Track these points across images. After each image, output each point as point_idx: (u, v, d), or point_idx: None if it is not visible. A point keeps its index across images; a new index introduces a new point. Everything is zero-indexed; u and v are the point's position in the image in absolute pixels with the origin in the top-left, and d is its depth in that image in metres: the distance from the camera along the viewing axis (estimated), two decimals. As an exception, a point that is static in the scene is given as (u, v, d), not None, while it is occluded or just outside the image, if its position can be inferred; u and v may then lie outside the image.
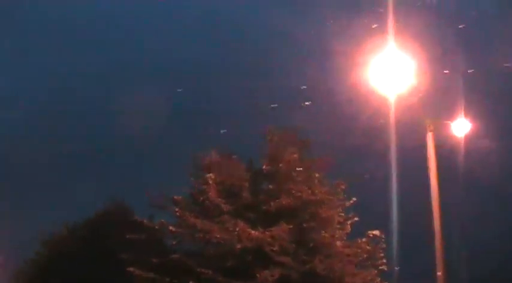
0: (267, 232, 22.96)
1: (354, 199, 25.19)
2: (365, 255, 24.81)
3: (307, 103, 27.61)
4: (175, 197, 24.80)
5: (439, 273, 17.99)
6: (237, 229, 22.97)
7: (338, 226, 24.69)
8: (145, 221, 25.07)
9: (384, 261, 25.13)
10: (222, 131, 29.39)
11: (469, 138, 20.91)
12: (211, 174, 24.33)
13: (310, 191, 24.15)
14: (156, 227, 24.84)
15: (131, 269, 23.49)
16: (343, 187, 25.25)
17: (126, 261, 23.72)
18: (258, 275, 22.42)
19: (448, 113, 20.71)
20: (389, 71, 18.48)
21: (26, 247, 33.39)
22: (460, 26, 28.63)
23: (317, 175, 24.95)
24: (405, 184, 22.95)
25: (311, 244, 23.95)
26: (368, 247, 24.71)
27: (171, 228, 24.27)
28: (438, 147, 19.71)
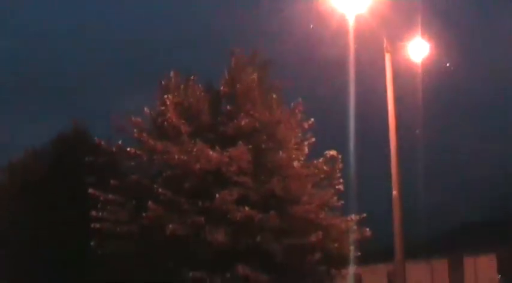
0: (225, 153, 23.05)
1: (312, 120, 25.35)
2: (322, 175, 25.15)
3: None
4: (133, 119, 24.69)
5: (394, 192, 18.20)
6: (196, 150, 23.03)
7: (295, 147, 24.85)
8: (102, 143, 25.02)
9: (341, 180, 25.54)
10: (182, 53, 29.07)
11: (427, 59, 20.95)
12: (169, 96, 24.22)
13: (268, 112, 24.22)
14: (114, 149, 24.82)
15: (91, 191, 23.61)
16: (301, 108, 25.37)
17: (87, 183, 23.82)
18: (216, 195, 22.59)
19: (407, 34, 20.66)
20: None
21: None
22: None
23: (275, 96, 24.97)
24: (363, 105, 23.09)
25: (269, 165, 24.14)
26: (325, 168, 25.03)
27: (129, 149, 24.28)
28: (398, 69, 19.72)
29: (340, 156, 25.24)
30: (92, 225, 23.33)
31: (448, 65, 23.77)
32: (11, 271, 29.05)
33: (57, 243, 26.97)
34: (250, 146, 23.41)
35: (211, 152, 23.05)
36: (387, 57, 19.61)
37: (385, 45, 19.71)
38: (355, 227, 25.25)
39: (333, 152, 25.09)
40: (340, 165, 25.41)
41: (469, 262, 47.08)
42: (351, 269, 26.64)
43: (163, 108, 24.39)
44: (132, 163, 24.98)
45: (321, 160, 25.12)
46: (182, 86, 24.81)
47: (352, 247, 25.23)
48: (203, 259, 22.91)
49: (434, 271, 48.38)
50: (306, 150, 25.29)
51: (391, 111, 18.57)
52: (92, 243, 23.53)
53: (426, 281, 45.33)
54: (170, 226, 22.05)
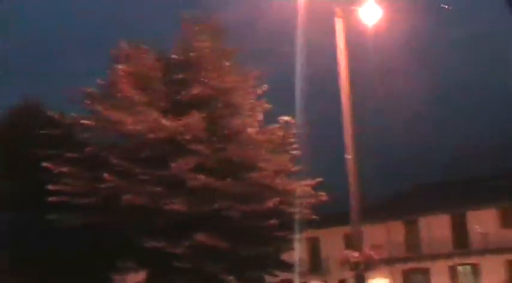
0: (180, 122, 23.01)
1: (266, 86, 25.41)
2: (277, 141, 25.30)
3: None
4: (86, 89, 24.42)
5: (348, 156, 18.31)
6: (150, 120, 22.94)
7: (250, 113, 24.95)
8: (56, 116, 24.73)
9: (296, 145, 25.74)
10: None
11: (379, 24, 20.97)
12: (122, 66, 23.99)
13: (221, 79, 24.19)
14: (67, 121, 24.57)
15: (46, 164, 23.33)
16: (254, 75, 25.40)
17: (42, 157, 23.52)
18: (173, 164, 22.58)
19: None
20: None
21: None
22: None
23: (228, 63, 24.94)
24: (315, 70, 23.17)
25: (224, 132, 24.22)
26: (280, 134, 25.18)
27: (82, 121, 24.05)
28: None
29: (294, 122, 25.40)
30: (49, 199, 23.10)
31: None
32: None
33: (14, 216, 26.60)
34: (205, 114, 23.40)
35: (165, 121, 22.98)
36: (339, 22, 19.61)
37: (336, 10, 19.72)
38: (311, 192, 25.53)
39: (287, 118, 25.22)
40: (295, 131, 25.61)
41: (423, 222, 48.08)
42: (308, 233, 27.01)
43: (115, 78, 24.16)
44: (87, 135, 24.76)
45: (276, 126, 25.26)
46: (134, 55, 24.58)
47: (308, 212, 25.51)
48: (162, 228, 22.96)
49: (390, 232, 49.29)
50: (261, 116, 25.40)
51: (344, 76, 18.59)
52: (49, 216, 23.31)
53: (383, 242, 46.12)
54: (127, 196, 22.00)
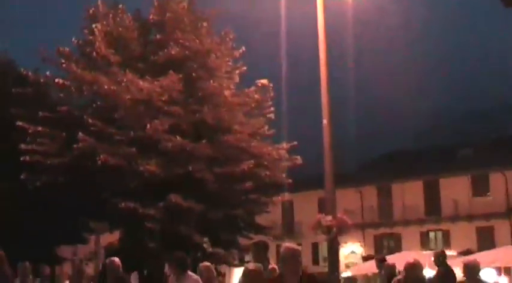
0: (156, 83, 22.84)
1: (243, 48, 25.28)
2: (253, 104, 25.26)
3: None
4: (61, 49, 24.10)
5: (324, 121, 18.33)
6: (126, 80, 22.73)
7: (226, 75, 24.82)
8: (30, 74, 24.43)
9: (272, 109, 25.72)
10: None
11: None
12: (97, 25, 23.69)
13: (198, 41, 23.99)
14: (42, 80, 24.30)
15: (19, 123, 23.09)
16: (231, 37, 25.24)
17: (15, 116, 23.25)
18: (148, 125, 22.47)
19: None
20: None
21: None
22: None
23: (205, 25, 24.73)
24: (295, 34, 23.08)
25: (200, 94, 24.09)
26: (256, 96, 25.12)
27: (57, 80, 23.78)
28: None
29: (271, 85, 25.35)
30: (22, 158, 22.92)
31: None
32: None
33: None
34: (181, 75, 23.22)
35: (141, 82, 22.80)
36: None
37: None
38: (286, 155, 25.61)
39: (264, 81, 25.15)
40: (272, 94, 25.57)
41: (396, 188, 48.57)
42: (282, 196, 27.12)
43: (91, 37, 23.88)
44: (61, 94, 24.52)
45: (252, 89, 25.19)
46: (111, 15, 24.28)
47: (283, 175, 25.61)
48: (135, 189, 22.93)
49: (363, 198, 49.76)
50: (237, 78, 25.30)
51: (322, 44, 18.53)
52: (22, 176, 23.14)
53: (356, 207, 46.56)
54: (101, 156, 21.89)
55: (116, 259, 11.61)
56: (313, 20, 18.16)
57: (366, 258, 44.20)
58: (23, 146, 22.95)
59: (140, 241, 23.16)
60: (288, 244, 7.20)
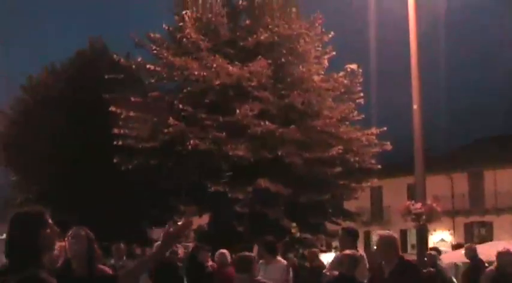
0: (245, 68, 22.96)
1: (332, 33, 25.07)
2: (342, 89, 25.06)
3: None
4: (151, 34, 24.54)
5: (415, 107, 18.04)
6: (216, 65, 22.94)
7: (315, 60, 24.68)
8: (122, 60, 24.99)
9: (361, 94, 25.45)
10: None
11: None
12: (187, 11, 23.97)
13: (287, 26, 23.93)
14: (133, 66, 24.81)
15: (112, 108, 23.66)
16: (321, 21, 25.06)
17: (108, 101, 23.84)
18: (237, 110, 22.64)
19: None
20: None
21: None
22: None
23: (294, 9, 24.63)
24: (384, 20, 22.70)
25: (289, 79, 24.07)
26: (345, 81, 24.90)
27: (148, 66, 24.24)
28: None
29: (360, 70, 25.09)
30: (115, 142, 23.54)
31: None
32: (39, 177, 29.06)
33: (80, 158, 27.12)
34: (270, 60, 23.26)
35: (231, 67, 22.96)
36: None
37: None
38: (375, 140, 25.33)
39: (353, 66, 24.90)
40: (361, 79, 25.30)
41: (488, 174, 47.27)
42: (371, 182, 26.82)
43: (181, 23, 24.20)
44: (153, 79, 25.01)
45: (341, 74, 24.98)
46: (200, 1, 24.51)
47: (372, 161, 25.37)
48: (224, 173, 23.19)
49: (454, 184, 48.69)
50: (326, 63, 25.14)
51: (412, 29, 18.21)
52: (115, 159, 23.77)
53: (446, 193, 45.63)
54: (191, 141, 22.22)
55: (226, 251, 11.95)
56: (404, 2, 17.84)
57: (455, 247, 43.33)
58: (115, 130, 23.56)
59: (229, 225, 23.44)
60: (382, 232, 7.16)
